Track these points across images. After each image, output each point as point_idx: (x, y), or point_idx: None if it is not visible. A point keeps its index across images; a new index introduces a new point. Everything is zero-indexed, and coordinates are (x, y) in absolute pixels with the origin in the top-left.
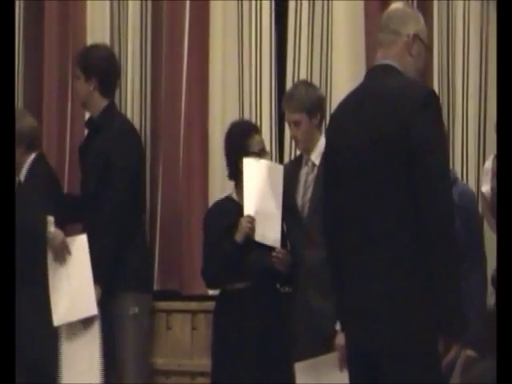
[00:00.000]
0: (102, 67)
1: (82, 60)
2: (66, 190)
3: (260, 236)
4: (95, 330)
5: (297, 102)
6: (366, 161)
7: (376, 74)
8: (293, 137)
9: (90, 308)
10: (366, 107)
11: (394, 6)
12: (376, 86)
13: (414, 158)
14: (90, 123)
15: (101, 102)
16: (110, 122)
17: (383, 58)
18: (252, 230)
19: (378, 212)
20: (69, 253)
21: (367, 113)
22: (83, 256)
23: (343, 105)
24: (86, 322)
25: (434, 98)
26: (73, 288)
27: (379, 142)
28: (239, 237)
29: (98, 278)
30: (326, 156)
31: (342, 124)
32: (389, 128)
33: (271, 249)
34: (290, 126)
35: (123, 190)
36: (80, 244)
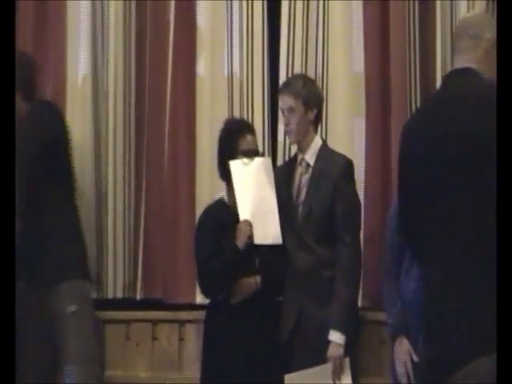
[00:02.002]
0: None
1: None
2: None
3: (260, 238)
4: None
5: (295, 88)
6: (440, 165)
7: (453, 77)
8: (285, 125)
9: None
10: (441, 110)
11: (471, 12)
12: (453, 88)
13: (489, 164)
14: None
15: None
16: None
17: (462, 63)
18: (251, 233)
19: (453, 220)
20: None
21: (443, 115)
22: None
23: (419, 110)
24: None
25: None
26: None
27: (456, 144)
28: (240, 243)
29: None
30: (400, 160)
31: (418, 127)
32: (465, 130)
33: (272, 248)
34: (283, 113)
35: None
36: None
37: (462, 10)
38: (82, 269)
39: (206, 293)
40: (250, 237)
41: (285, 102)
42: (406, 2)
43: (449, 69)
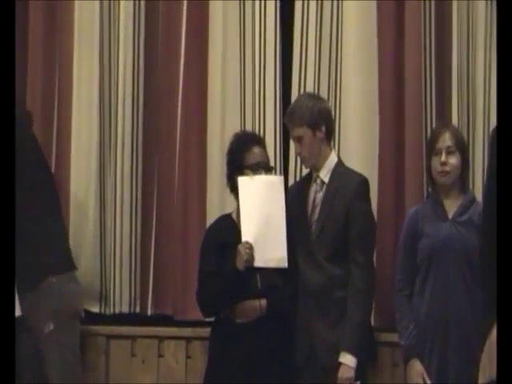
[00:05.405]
0: None
1: None
2: None
3: (262, 261)
4: None
5: (297, 116)
6: None
7: None
8: (297, 154)
9: None
10: None
11: None
12: None
13: None
14: None
15: None
16: None
17: None
18: (251, 257)
19: None
20: None
21: None
22: None
23: None
24: None
25: None
26: None
27: None
28: (240, 265)
29: None
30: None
31: None
32: None
33: (278, 271)
34: (294, 143)
35: None
36: None
37: (480, 11)
38: (56, 263)
39: (203, 312)
40: (249, 260)
41: (292, 132)
42: (422, 14)
43: (465, 83)
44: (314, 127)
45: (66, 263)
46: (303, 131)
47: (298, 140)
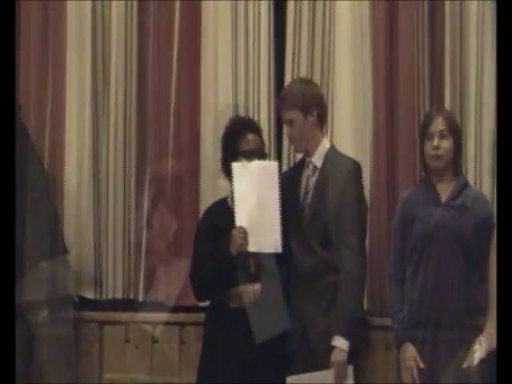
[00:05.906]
0: None
1: None
2: None
3: (256, 246)
4: None
5: (289, 98)
6: None
7: None
8: (288, 138)
9: None
10: None
11: None
12: None
13: None
14: None
15: None
16: None
17: None
18: (245, 241)
19: None
20: None
21: None
22: None
23: None
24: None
25: None
26: None
27: None
28: (233, 249)
29: None
30: None
31: None
32: None
33: (272, 256)
34: (285, 126)
35: None
36: None
37: (472, 12)
38: (47, 247)
39: (197, 297)
40: (242, 245)
41: (284, 115)
42: (415, 2)
43: (457, 68)
44: (305, 111)
45: (57, 247)
46: (295, 114)
47: (290, 123)
